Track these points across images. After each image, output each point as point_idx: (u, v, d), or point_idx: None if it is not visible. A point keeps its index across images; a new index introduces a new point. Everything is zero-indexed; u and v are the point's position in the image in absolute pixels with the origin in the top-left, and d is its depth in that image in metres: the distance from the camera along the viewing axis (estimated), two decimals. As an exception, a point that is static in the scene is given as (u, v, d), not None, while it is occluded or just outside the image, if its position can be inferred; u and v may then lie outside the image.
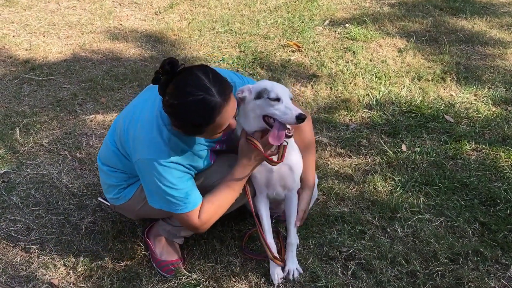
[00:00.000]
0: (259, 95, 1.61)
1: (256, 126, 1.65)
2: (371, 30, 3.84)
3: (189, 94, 1.43)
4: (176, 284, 1.80)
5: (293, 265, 1.81)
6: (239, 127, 1.69)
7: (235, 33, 3.82)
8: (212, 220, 1.70)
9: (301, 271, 1.82)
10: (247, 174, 1.68)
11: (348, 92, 3.03)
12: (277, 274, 1.80)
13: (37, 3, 4.39)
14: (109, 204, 1.92)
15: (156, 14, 4.23)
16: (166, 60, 1.46)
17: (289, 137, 1.62)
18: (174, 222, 1.87)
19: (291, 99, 1.63)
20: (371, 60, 3.42)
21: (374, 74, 3.22)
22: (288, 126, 1.60)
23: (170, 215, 1.82)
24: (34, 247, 1.96)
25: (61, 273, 1.85)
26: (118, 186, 1.79)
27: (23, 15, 4.16)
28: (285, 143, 1.65)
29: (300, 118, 1.55)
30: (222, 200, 1.69)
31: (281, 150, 1.67)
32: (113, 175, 1.79)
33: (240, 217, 2.09)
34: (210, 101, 1.44)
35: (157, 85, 1.50)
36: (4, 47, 3.63)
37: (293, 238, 1.82)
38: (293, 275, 1.80)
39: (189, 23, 4.00)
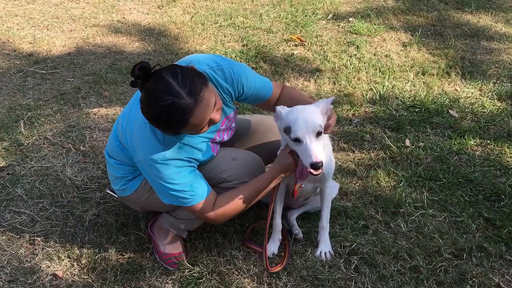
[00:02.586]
0: (286, 130, 1.59)
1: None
2: (375, 24, 3.81)
3: (158, 99, 1.42)
4: (179, 277, 1.81)
5: (326, 247, 1.89)
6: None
7: (238, 27, 3.80)
8: (228, 214, 1.70)
9: (333, 253, 1.88)
10: (275, 181, 1.72)
11: (352, 87, 3.01)
12: (271, 250, 1.89)
13: (41, -4, 4.38)
14: (116, 196, 1.94)
15: (159, 7, 4.21)
16: (137, 65, 1.44)
17: (315, 175, 1.58)
18: (178, 215, 1.87)
19: (319, 132, 1.54)
20: (375, 55, 3.40)
21: (378, 69, 3.20)
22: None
23: (175, 208, 1.83)
24: (39, 239, 1.97)
25: (65, 265, 1.86)
26: (125, 178, 1.81)
27: (27, 9, 4.16)
28: (301, 184, 1.72)
29: (314, 167, 1.51)
30: (243, 198, 1.69)
31: (296, 187, 1.73)
32: (119, 167, 1.80)
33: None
34: (179, 104, 1.42)
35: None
36: (8, 40, 3.63)
37: (325, 223, 1.89)
38: (325, 255, 1.87)
39: (192, 17, 3.98)
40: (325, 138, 1.75)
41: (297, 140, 1.55)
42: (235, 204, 1.69)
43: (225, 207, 1.69)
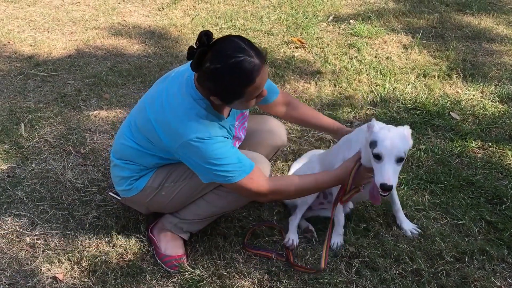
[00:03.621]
0: (371, 144, 1.60)
1: (367, 163, 1.68)
2: (375, 26, 3.81)
3: (230, 56, 1.50)
4: (179, 280, 1.80)
5: (409, 225, 1.99)
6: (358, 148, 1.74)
7: (239, 29, 3.80)
8: (280, 193, 1.71)
9: (420, 230, 1.96)
10: (333, 184, 1.77)
11: (352, 89, 3.01)
12: (337, 243, 1.91)
13: (42, -1, 4.39)
14: (119, 198, 1.94)
15: (159, 10, 4.22)
16: (202, 32, 1.53)
17: (383, 196, 1.62)
18: (181, 216, 1.87)
19: (401, 158, 1.57)
20: (375, 57, 3.40)
21: (379, 71, 3.20)
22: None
23: (179, 209, 1.84)
24: (39, 241, 1.96)
25: (66, 268, 1.85)
26: (130, 178, 1.81)
27: (28, 11, 4.16)
28: (359, 190, 1.77)
29: (383, 188, 1.55)
30: (300, 185, 1.72)
31: (352, 193, 1.77)
32: (126, 167, 1.81)
33: (244, 214, 2.09)
34: (250, 62, 1.51)
35: (190, 61, 1.56)
36: (8, 42, 3.63)
37: (399, 205, 1.99)
38: (411, 233, 1.96)
39: (192, 19, 3.98)
40: None
41: (378, 157, 1.57)
42: (291, 186, 1.71)
43: (281, 184, 1.72)
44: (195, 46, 1.54)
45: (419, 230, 1.96)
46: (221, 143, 1.62)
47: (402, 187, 2.22)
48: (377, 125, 1.64)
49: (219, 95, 1.58)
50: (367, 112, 2.80)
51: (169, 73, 1.81)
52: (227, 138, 1.69)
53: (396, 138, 1.58)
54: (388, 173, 1.55)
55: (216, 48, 1.53)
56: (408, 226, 1.97)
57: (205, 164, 1.61)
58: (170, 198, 1.81)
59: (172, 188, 1.79)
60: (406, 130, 1.65)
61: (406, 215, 2.04)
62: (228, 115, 1.76)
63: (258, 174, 1.67)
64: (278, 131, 2.07)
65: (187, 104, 1.61)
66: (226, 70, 1.51)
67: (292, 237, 1.93)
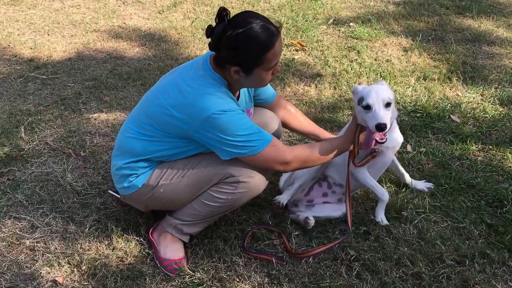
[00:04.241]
0: (359, 101, 1.78)
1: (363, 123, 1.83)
2: (375, 29, 3.81)
3: (250, 22, 1.61)
4: (179, 283, 1.79)
5: (421, 184, 2.19)
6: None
7: (240, 32, 3.80)
8: (303, 160, 1.77)
9: (433, 186, 2.19)
10: (347, 146, 1.86)
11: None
12: (382, 218, 2.02)
13: (42, 2, 4.40)
14: (119, 196, 1.94)
15: (159, 13, 4.22)
16: (221, 8, 1.65)
17: (381, 143, 1.77)
18: (181, 217, 1.87)
19: (388, 103, 1.75)
20: (375, 59, 3.40)
21: (379, 74, 3.20)
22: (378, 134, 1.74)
23: (178, 207, 1.86)
24: (39, 245, 1.96)
25: (65, 271, 1.85)
26: (130, 175, 1.82)
27: (28, 14, 4.17)
28: (375, 154, 1.89)
29: (379, 128, 1.69)
30: (320, 150, 1.80)
31: (368, 157, 1.89)
32: (126, 165, 1.82)
33: (244, 217, 2.08)
34: (269, 27, 1.63)
35: (210, 38, 1.66)
36: (9, 45, 3.64)
37: (405, 174, 2.19)
38: (427, 188, 2.17)
39: (192, 22, 3.99)
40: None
41: (368, 108, 1.73)
42: (314, 152, 1.79)
43: (304, 150, 1.79)
44: (212, 25, 1.65)
45: (433, 186, 2.18)
46: (242, 115, 1.69)
47: (403, 189, 2.22)
48: (360, 86, 1.83)
49: (240, 64, 1.65)
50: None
51: (175, 69, 1.87)
52: (243, 111, 1.75)
53: (378, 88, 1.77)
54: (380, 115, 1.70)
55: (235, 19, 1.64)
56: (422, 185, 2.19)
57: (228, 136, 1.65)
58: (168, 196, 1.82)
59: (170, 186, 1.80)
60: (383, 83, 1.86)
61: (406, 218, 2.04)
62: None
63: (279, 142, 1.74)
64: (273, 123, 2.10)
65: (206, 83, 1.69)
66: (247, 34, 1.60)
67: (282, 197, 1.98)
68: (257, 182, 1.78)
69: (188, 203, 1.84)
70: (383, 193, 2.01)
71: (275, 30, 1.64)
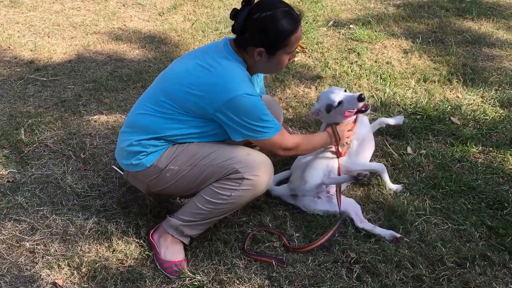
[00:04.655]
0: (329, 108, 2.09)
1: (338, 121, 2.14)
2: (376, 31, 3.82)
3: (277, 7, 1.72)
4: (179, 286, 1.79)
5: (393, 186, 2.26)
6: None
7: (240, 33, 3.81)
8: (300, 147, 1.94)
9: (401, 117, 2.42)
10: (330, 140, 2.08)
11: (353, 94, 3.01)
12: (393, 186, 2.22)
13: (42, 4, 4.40)
14: (122, 173, 1.96)
15: (159, 15, 4.23)
16: None
17: (365, 111, 2.09)
18: (183, 216, 1.87)
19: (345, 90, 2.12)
20: (375, 61, 3.40)
21: (379, 76, 3.20)
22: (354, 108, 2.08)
23: (177, 194, 2.03)
24: (39, 247, 1.96)
25: (65, 274, 1.84)
26: (140, 153, 1.83)
27: (28, 16, 4.18)
28: (348, 145, 2.16)
29: (360, 98, 2.03)
30: (311, 141, 2.02)
31: (344, 147, 2.16)
32: (138, 142, 1.82)
33: (244, 219, 2.08)
34: (293, 12, 1.75)
35: (234, 21, 1.75)
36: (9, 47, 3.64)
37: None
38: (397, 190, 2.24)
39: (192, 24, 3.99)
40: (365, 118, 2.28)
41: (340, 103, 2.06)
42: (307, 141, 2.00)
43: (302, 140, 1.97)
44: (237, 8, 1.74)
45: (404, 117, 2.41)
46: (262, 101, 1.78)
47: (403, 192, 2.22)
48: (317, 105, 2.16)
49: (266, 45, 1.74)
50: (368, 117, 2.79)
51: (191, 52, 1.96)
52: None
53: (326, 92, 2.16)
54: (351, 94, 2.08)
55: (260, 3, 1.74)
56: (393, 121, 2.42)
57: (249, 119, 1.74)
58: (172, 182, 1.84)
59: (177, 173, 1.81)
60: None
61: (406, 221, 2.03)
62: None
63: (285, 131, 1.89)
64: (275, 109, 2.19)
65: (232, 64, 1.77)
66: (275, 16, 1.70)
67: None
68: (261, 181, 1.79)
69: (189, 193, 1.88)
70: (377, 166, 2.23)
71: (298, 15, 1.77)
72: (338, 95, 2.07)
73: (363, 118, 2.27)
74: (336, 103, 2.06)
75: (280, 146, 1.86)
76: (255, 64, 1.81)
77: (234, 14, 1.75)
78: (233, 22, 1.76)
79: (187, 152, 1.82)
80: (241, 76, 1.76)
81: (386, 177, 2.22)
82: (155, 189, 1.92)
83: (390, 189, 2.21)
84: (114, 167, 2.05)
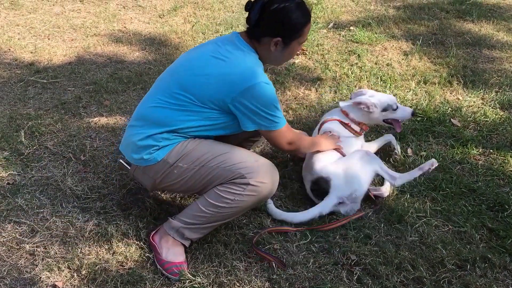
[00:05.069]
0: (385, 109, 2.31)
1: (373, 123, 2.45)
2: (376, 33, 3.82)
3: (291, 0, 1.80)
4: (180, 288, 1.79)
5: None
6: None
7: (240, 35, 3.81)
8: (299, 144, 2.02)
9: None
10: (312, 146, 2.16)
11: (353, 95, 3.01)
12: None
13: (42, 6, 4.41)
14: (129, 167, 1.95)
15: (160, 17, 4.23)
16: None
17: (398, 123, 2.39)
18: (185, 218, 1.87)
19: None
20: (376, 63, 3.40)
21: (379, 78, 3.21)
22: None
23: (181, 192, 2.07)
24: (39, 249, 1.95)
25: (65, 276, 1.84)
26: (152, 147, 1.83)
27: (28, 18, 4.18)
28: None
29: (414, 114, 2.36)
30: (309, 143, 2.14)
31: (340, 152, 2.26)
32: (151, 137, 1.83)
33: (244, 221, 2.08)
34: (306, 5, 1.85)
35: (249, 13, 1.82)
36: (9, 49, 3.64)
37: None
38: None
39: (192, 26, 4.00)
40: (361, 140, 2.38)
41: (395, 108, 2.32)
42: (305, 140, 2.11)
43: (302, 137, 2.09)
44: (252, 0, 1.81)
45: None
46: (275, 91, 1.84)
47: (403, 194, 2.22)
48: (374, 102, 2.31)
49: (282, 34, 1.81)
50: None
51: (201, 45, 1.98)
52: None
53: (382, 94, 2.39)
54: (405, 108, 2.38)
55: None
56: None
57: (262, 107, 1.77)
58: (178, 179, 1.84)
59: (185, 171, 1.82)
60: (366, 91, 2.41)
61: (406, 223, 2.03)
62: None
63: (289, 126, 1.95)
64: None
65: (249, 56, 1.82)
66: (291, 7, 1.79)
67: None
68: (265, 188, 1.79)
69: (193, 192, 1.92)
70: (387, 136, 2.49)
71: (310, 8, 1.87)
72: (393, 99, 2.33)
73: (357, 141, 2.33)
74: (395, 107, 2.30)
75: (286, 138, 1.92)
76: (269, 54, 1.86)
77: (249, 6, 1.82)
78: (247, 14, 1.83)
79: (197, 150, 1.82)
80: (257, 66, 1.81)
81: (397, 146, 2.46)
82: (161, 186, 1.91)
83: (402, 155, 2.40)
84: (121, 161, 2.00)
